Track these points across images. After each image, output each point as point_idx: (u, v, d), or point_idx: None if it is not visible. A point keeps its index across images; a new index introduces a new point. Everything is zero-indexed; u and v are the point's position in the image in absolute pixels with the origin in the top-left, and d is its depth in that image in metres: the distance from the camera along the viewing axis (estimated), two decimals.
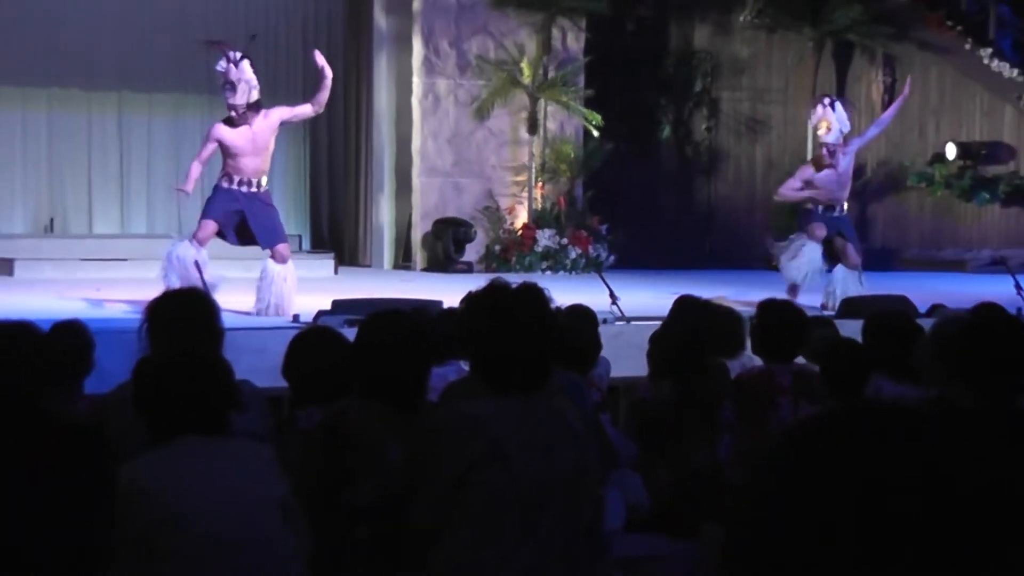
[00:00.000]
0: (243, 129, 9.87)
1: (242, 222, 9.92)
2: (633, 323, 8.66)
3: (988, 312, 3.47)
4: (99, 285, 11.70)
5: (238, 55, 9.88)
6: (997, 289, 10.15)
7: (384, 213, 15.85)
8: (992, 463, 1.34)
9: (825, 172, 11.04)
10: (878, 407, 1.40)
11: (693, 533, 4.18)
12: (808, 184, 11.12)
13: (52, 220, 15.80)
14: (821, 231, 11.01)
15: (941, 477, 1.31)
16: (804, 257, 10.90)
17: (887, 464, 1.32)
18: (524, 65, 15.36)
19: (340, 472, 3.74)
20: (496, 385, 3.23)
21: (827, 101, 11.29)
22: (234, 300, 9.39)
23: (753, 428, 5.30)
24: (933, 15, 17.43)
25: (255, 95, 9.91)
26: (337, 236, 16.70)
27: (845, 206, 11.36)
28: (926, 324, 4.87)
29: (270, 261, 9.89)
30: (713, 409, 5.30)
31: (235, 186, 9.88)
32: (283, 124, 10.27)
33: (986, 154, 17.35)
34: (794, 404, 5.28)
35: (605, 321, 7.58)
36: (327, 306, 8.89)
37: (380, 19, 15.74)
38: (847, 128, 11.23)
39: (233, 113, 9.85)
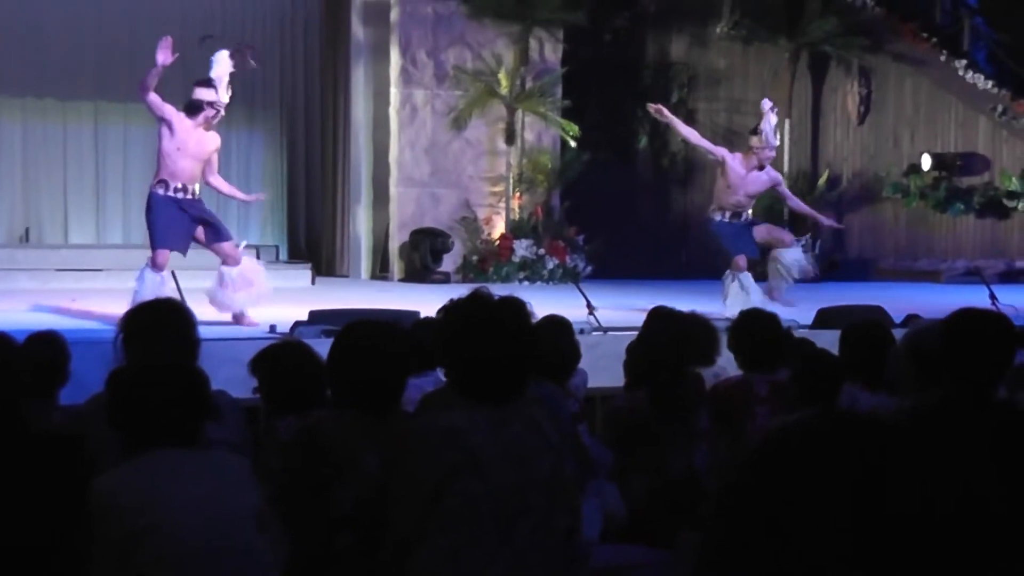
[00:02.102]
0: (198, 130, 9.55)
1: (196, 226, 9.63)
2: (610, 333, 8.67)
3: (959, 320, 3.49)
4: (75, 295, 11.66)
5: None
6: (972, 299, 10.15)
7: (361, 223, 15.85)
8: (965, 471, 1.35)
9: (751, 175, 10.93)
10: (852, 416, 1.41)
11: (670, 542, 4.19)
12: (721, 170, 11.01)
13: (27, 230, 15.75)
14: (743, 262, 10.95)
15: (915, 484, 1.32)
16: (746, 291, 10.77)
17: (862, 472, 1.33)
18: (501, 76, 15.38)
19: (318, 481, 3.74)
20: (472, 395, 3.23)
21: (774, 107, 11.37)
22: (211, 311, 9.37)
23: (730, 437, 5.32)
24: (908, 27, 17.52)
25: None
26: (314, 246, 16.69)
27: (749, 213, 11.23)
28: (901, 334, 4.89)
29: (223, 267, 9.64)
30: (689, 418, 5.32)
31: (171, 192, 9.53)
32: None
33: (961, 165, 17.44)
34: (771, 414, 5.29)
35: (582, 331, 7.58)
36: (304, 316, 8.87)
37: (357, 29, 15.74)
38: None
39: (211, 110, 9.51)
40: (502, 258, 15.24)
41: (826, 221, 11.90)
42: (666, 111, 11.27)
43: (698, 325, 6.25)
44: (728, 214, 11.04)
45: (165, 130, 9.62)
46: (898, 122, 17.81)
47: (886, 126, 17.82)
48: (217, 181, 9.96)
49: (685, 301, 8.40)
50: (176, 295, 8.27)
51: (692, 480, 5.13)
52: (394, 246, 15.51)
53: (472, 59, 15.55)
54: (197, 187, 9.74)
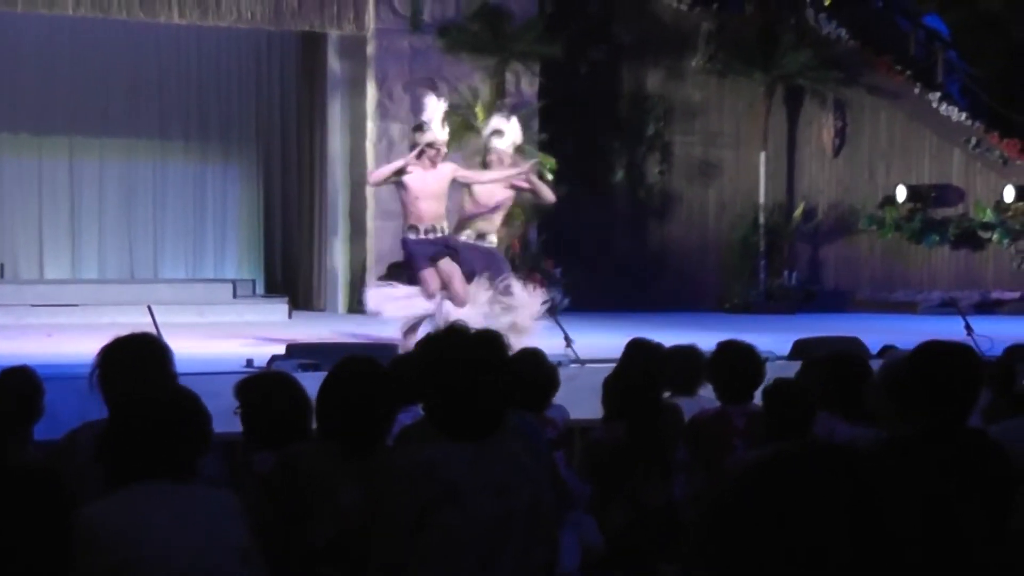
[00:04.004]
0: (428, 171, 10.01)
1: (446, 251, 10.07)
2: (588, 365, 8.67)
3: (929, 350, 3.51)
4: (50, 330, 11.62)
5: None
6: (948, 330, 10.21)
7: (338, 257, 15.84)
8: (936, 500, 1.35)
9: (486, 188, 10.30)
10: (827, 447, 1.41)
11: (649, 574, 4.19)
12: (469, 195, 10.34)
13: (2, 265, 15.69)
14: (435, 281, 10.10)
15: (887, 513, 1.32)
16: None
17: (838, 502, 1.33)
18: (478, 109, 15.41)
19: (296, 514, 3.72)
20: (450, 429, 3.23)
21: (505, 112, 11.28)
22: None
23: (708, 469, 5.31)
24: (882, 60, 17.65)
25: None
26: (291, 280, 16.66)
27: (446, 227, 10.30)
28: (878, 365, 4.90)
29: (447, 303, 9.95)
30: (667, 450, 5.32)
31: (422, 235, 10.02)
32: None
33: (935, 197, 17.55)
34: (749, 445, 5.29)
35: (560, 364, 7.58)
36: (282, 350, 8.85)
37: (334, 64, 15.78)
38: (519, 139, 10.83)
39: (431, 150, 9.98)
40: None
41: (545, 196, 10.63)
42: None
43: (678, 356, 6.26)
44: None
45: (399, 187, 10.09)
46: (873, 154, 17.91)
47: (861, 158, 17.91)
48: (488, 175, 10.34)
49: (662, 333, 8.42)
50: (153, 329, 8.23)
51: (670, 512, 5.12)
52: (371, 279, 15.48)
53: (449, 93, 15.57)
54: (445, 224, 10.18)
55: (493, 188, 10.40)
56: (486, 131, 10.86)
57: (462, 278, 10.09)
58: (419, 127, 10.22)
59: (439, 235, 10.09)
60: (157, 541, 3.24)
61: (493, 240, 10.52)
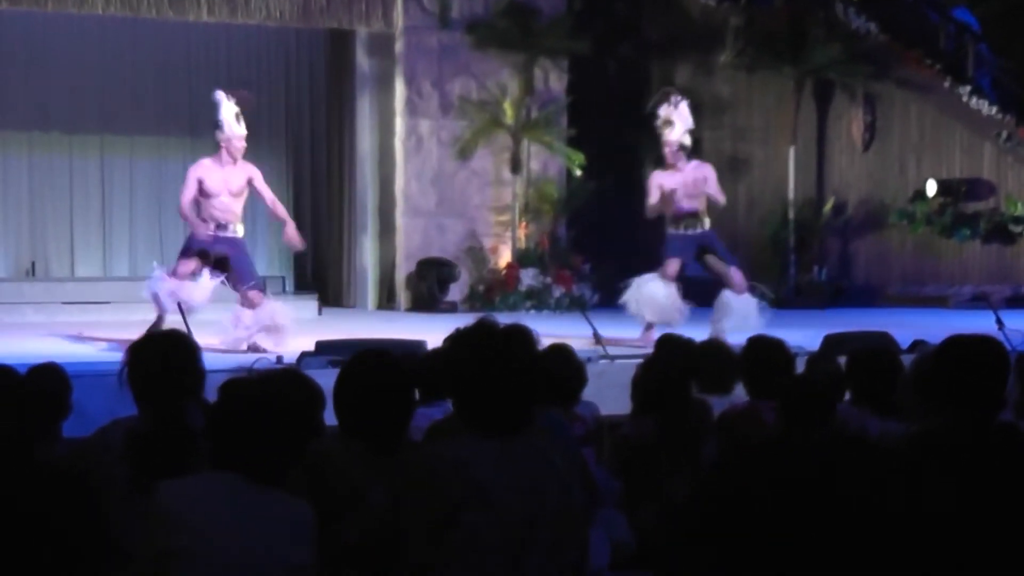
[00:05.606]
0: (675, 172, 10.68)
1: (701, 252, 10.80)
2: (617, 361, 8.65)
3: (956, 343, 3.49)
4: (81, 328, 11.66)
5: (679, 98, 11.07)
6: (979, 325, 10.13)
7: (368, 254, 15.86)
8: (949, 493, 1.33)
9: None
10: (793, 442, 1.40)
11: None
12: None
13: (34, 264, 15.78)
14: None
15: (890, 506, 1.30)
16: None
17: (799, 497, 1.32)
18: (506, 105, 15.41)
19: (323, 513, 3.72)
20: (480, 425, 3.21)
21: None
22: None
23: None
24: (912, 54, 17.54)
25: (687, 139, 10.86)
26: (321, 277, 16.69)
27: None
28: (909, 360, 4.87)
29: (727, 291, 10.77)
30: (696, 446, 5.29)
31: (682, 230, 10.76)
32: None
33: (966, 191, 17.42)
34: None
35: (589, 360, 7.56)
36: (311, 347, 8.86)
37: (362, 61, 15.79)
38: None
39: (667, 151, 10.70)
40: (508, 287, 15.24)
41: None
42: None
43: (711, 353, 6.23)
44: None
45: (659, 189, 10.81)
46: (903, 149, 17.81)
47: (891, 153, 17.81)
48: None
49: (692, 328, 8.39)
50: (183, 327, 8.25)
51: None
52: (400, 276, 15.52)
53: (477, 89, 15.59)
54: (707, 221, 10.94)
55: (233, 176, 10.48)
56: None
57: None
58: (668, 122, 10.89)
59: (699, 230, 10.80)
60: (208, 535, 3.17)
61: (239, 229, 10.49)
